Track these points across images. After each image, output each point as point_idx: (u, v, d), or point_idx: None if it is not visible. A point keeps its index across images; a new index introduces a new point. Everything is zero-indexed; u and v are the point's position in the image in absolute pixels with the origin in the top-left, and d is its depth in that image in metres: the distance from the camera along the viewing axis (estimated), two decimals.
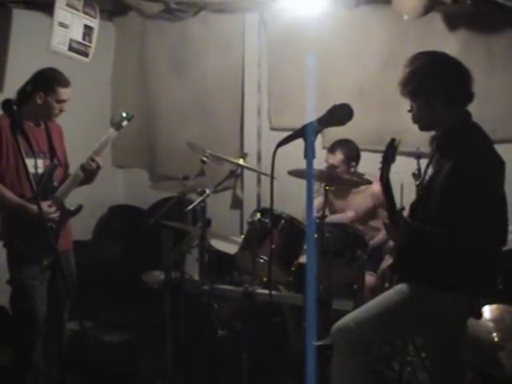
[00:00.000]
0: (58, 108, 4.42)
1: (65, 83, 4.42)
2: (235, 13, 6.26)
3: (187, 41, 6.51)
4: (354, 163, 5.25)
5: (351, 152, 5.26)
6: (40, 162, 4.36)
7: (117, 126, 4.59)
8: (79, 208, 4.55)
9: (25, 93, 4.33)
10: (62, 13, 4.98)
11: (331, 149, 5.23)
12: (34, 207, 4.20)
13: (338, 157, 5.19)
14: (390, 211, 3.25)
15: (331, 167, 5.17)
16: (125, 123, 4.61)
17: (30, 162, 4.29)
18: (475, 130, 3.31)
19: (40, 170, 4.36)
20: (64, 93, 4.40)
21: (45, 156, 4.41)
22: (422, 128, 3.42)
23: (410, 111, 3.36)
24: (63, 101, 4.42)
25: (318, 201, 5.43)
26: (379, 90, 5.70)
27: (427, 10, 5.17)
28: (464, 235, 3.11)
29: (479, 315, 3.58)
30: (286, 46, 6.12)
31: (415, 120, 3.37)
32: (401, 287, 3.39)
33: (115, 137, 4.62)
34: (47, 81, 4.37)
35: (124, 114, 4.60)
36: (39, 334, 4.44)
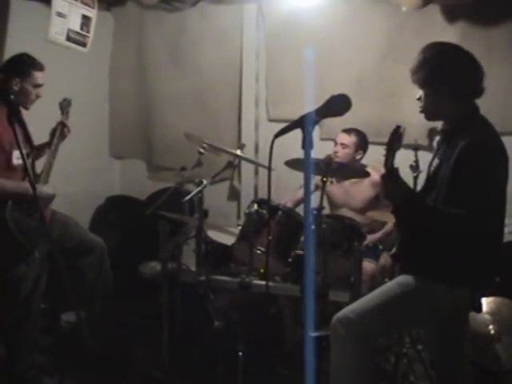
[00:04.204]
0: (35, 93, 4.40)
1: (39, 67, 4.39)
2: (233, 4, 6.26)
3: (185, 32, 6.49)
4: (361, 152, 5.36)
5: (364, 140, 5.39)
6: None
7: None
8: (52, 197, 4.51)
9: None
10: (59, 3, 4.99)
11: (347, 130, 5.33)
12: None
13: (353, 138, 5.31)
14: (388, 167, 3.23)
15: (341, 146, 5.29)
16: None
17: (15, 154, 4.29)
18: (483, 124, 3.30)
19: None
20: (39, 76, 4.38)
21: (24, 145, 4.37)
22: (428, 118, 3.42)
23: (418, 99, 3.36)
24: (39, 85, 4.40)
25: (301, 192, 5.48)
26: (377, 81, 5.71)
27: (426, 1, 5.17)
28: (479, 218, 3.11)
29: (480, 309, 3.58)
30: (284, 38, 6.11)
31: (422, 109, 3.37)
32: (402, 279, 3.38)
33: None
34: (22, 66, 4.34)
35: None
36: (28, 319, 4.44)
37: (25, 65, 4.33)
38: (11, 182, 4.25)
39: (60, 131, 4.53)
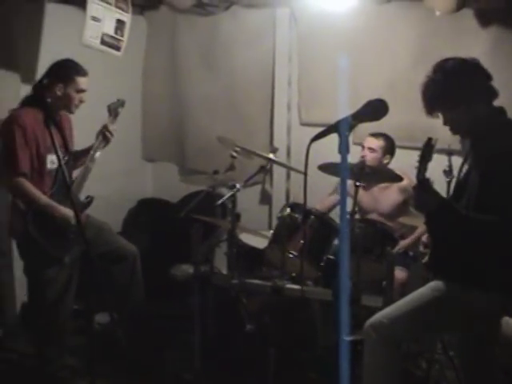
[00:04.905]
0: (78, 99, 4.42)
1: (83, 72, 4.42)
2: (266, 8, 6.25)
3: (218, 35, 6.51)
4: (388, 156, 5.34)
5: (392, 145, 5.36)
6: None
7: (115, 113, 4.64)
8: (91, 199, 4.54)
9: (41, 86, 4.32)
10: (94, 7, 5.02)
11: (375, 134, 5.30)
12: (62, 209, 4.24)
13: (380, 142, 5.28)
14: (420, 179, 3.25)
15: (369, 150, 5.26)
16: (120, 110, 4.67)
17: (49, 158, 4.33)
18: (510, 127, 3.29)
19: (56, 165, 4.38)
20: (83, 82, 4.41)
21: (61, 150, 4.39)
22: (464, 136, 3.43)
23: (445, 124, 3.36)
24: (82, 90, 4.42)
25: (334, 197, 5.48)
26: (410, 86, 5.63)
27: (459, 5, 5.14)
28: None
29: None
30: (316, 41, 6.10)
31: (455, 131, 3.37)
32: (435, 284, 3.38)
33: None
34: (65, 71, 4.37)
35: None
36: (59, 321, 4.50)
37: (68, 70, 4.36)
38: (46, 199, 4.30)
39: (102, 135, 4.54)
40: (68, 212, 4.21)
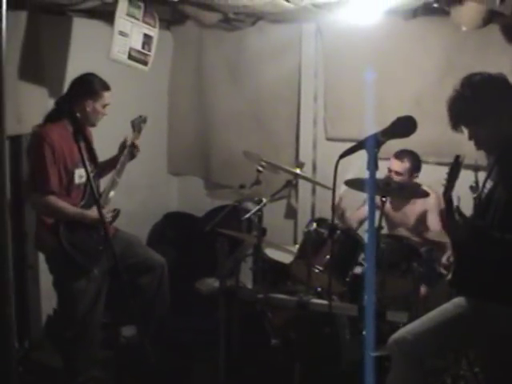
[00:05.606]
0: (102, 112, 4.49)
1: (107, 86, 4.49)
2: (292, 23, 6.25)
3: (244, 50, 6.53)
4: (416, 174, 5.27)
5: (417, 162, 5.28)
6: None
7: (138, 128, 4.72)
8: (118, 212, 4.56)
9: (68, 102, 4.34)
10: (122, 22, 5.03)
11: (399, 156, 5.21)
12: (91, 213, 4.27)
13: (406, 164, 5.20)
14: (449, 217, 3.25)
15: (395, 174, 5.19)
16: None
17: (77, 172, 4.36)
18: None
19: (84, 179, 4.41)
20: (108, 96, 4.49)
21: (89, 163, 4.42)
22: (489, 150, 3.42)
23: (470, 139, 3.36)
24: (107, 104, 4.49)
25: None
26: (436, 101, 5.61)
27: (486, 21, 5.13)
28: None
29: None
30: (342, 57, 6.11)
31: (480, 145, 3.36)
32: (458, 300, 3.38)
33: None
34: (93, 87, 4.42)
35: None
36: (87, 334, 4.52)
37: (96, 86, 4.42)
38: (73, 209, 4.33)
39: (128, 150, 4.59)
40: (95, 212, 4.25)
